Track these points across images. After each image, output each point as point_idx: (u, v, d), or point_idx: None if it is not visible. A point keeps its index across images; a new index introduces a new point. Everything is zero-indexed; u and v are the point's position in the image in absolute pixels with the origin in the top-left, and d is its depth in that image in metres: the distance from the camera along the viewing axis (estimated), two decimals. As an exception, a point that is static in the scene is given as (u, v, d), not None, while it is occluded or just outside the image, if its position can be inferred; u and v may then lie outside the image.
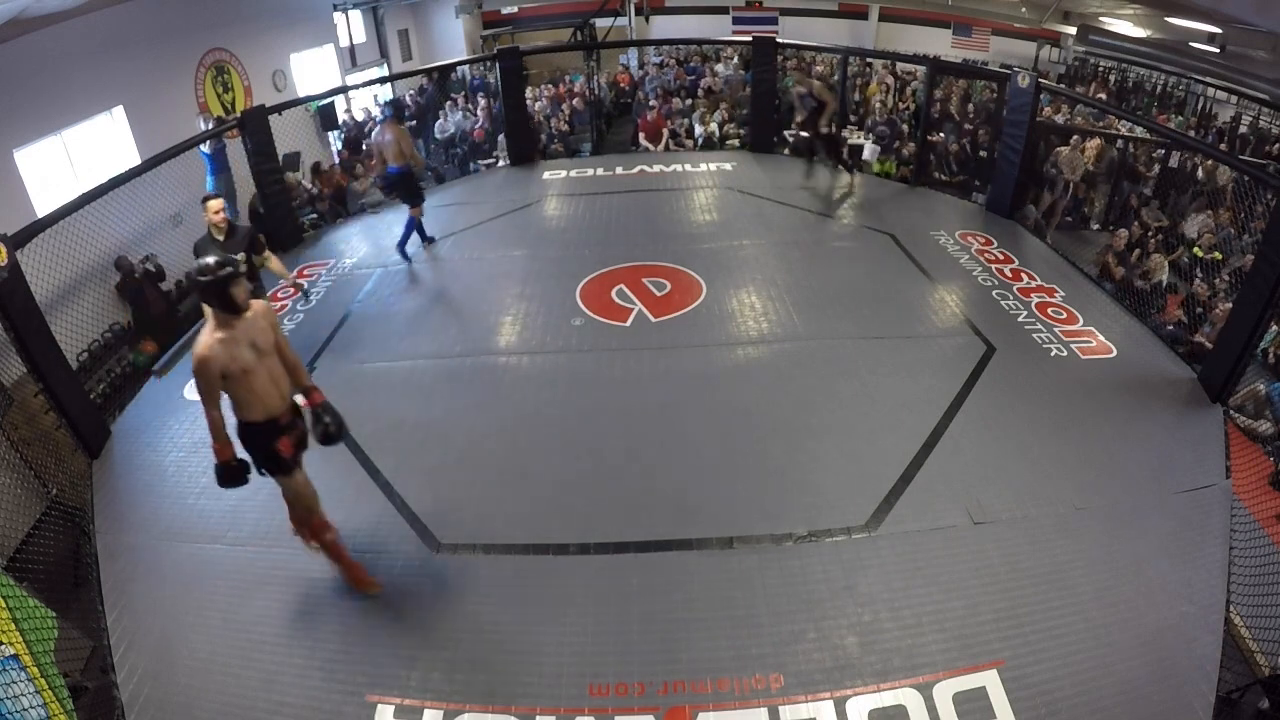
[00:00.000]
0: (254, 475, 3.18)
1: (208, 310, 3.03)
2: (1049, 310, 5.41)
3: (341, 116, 11.01)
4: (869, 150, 9.11)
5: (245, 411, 3.03)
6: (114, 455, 4.51)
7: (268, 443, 3.09)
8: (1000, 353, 4.92)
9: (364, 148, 10.26)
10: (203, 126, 6.93)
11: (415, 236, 6.73)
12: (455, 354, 5.17)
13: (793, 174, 8.38)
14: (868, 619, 3.17)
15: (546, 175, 8.64)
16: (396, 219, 7.75)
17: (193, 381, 3.02)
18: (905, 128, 9.61)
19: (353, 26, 13.01)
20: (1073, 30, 14.02)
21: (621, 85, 13.71)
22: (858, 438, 4.17)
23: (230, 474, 3.09)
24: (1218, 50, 10.18)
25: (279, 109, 7.05)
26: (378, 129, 6.59)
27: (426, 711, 2.90)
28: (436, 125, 10.69)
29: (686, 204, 7.64)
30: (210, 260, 2.90)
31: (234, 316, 2.93)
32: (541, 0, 15.97)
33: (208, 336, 2.91)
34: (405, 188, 6.43)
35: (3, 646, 2.90)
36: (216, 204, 4.65)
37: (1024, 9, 14.29)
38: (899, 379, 4.69)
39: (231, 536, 3.77)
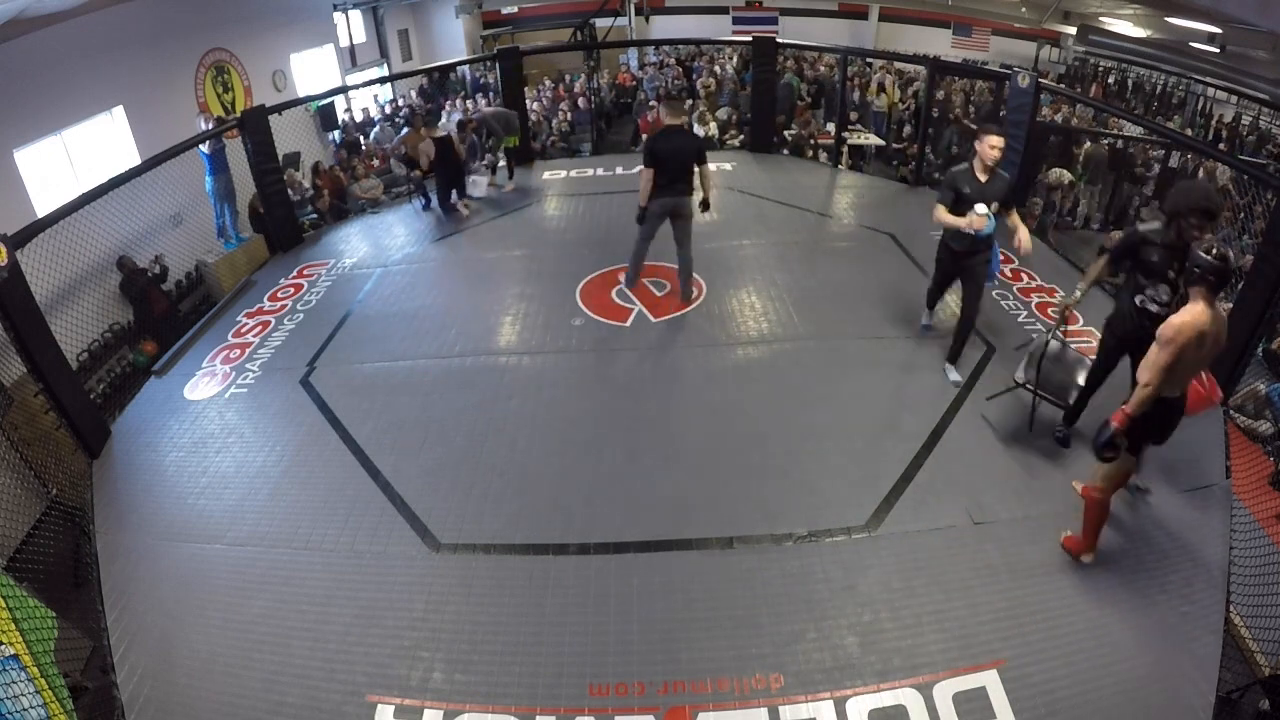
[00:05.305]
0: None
1: (1199, 290, 2.90)
2: (1049, 310, 5.41)
3: (341, 116, 11.01)
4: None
5: (1171, 388, 3.07)
6: (114, 455, 4.51)
7: (1171, 420, 3.19)
8: (1000, 353, 4.92)
9: (363, 147, 10.26)
10: (203, 126, 6.91)
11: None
12: (455, 354, 5.17)
13: (793, 174, 8.38)
14: (868, 619, 3.16)
15: (546, 175, 8.64)
16: (397, 219, 7.78)
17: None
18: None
19: (353, 26, 13.03)
20: (1073, 30, 14.05)
21: (623, 85, 13.72)
22: (858, 438, 4.17)
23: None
24: (1218, 50, 10.20)
25: (279, 109, 7.03)
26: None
27: (426, 711, 2.90)
28: (438, 124, 10.69)
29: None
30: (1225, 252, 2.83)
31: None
32: (541, 0, 15.99)
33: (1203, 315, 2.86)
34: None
35: (3, 646, 2.90)
36: (998, 140, 4.08)
37: (1024, 9, 14.32)
38: (899, 379, 4.69)
39: (231, 536, 3.77)
